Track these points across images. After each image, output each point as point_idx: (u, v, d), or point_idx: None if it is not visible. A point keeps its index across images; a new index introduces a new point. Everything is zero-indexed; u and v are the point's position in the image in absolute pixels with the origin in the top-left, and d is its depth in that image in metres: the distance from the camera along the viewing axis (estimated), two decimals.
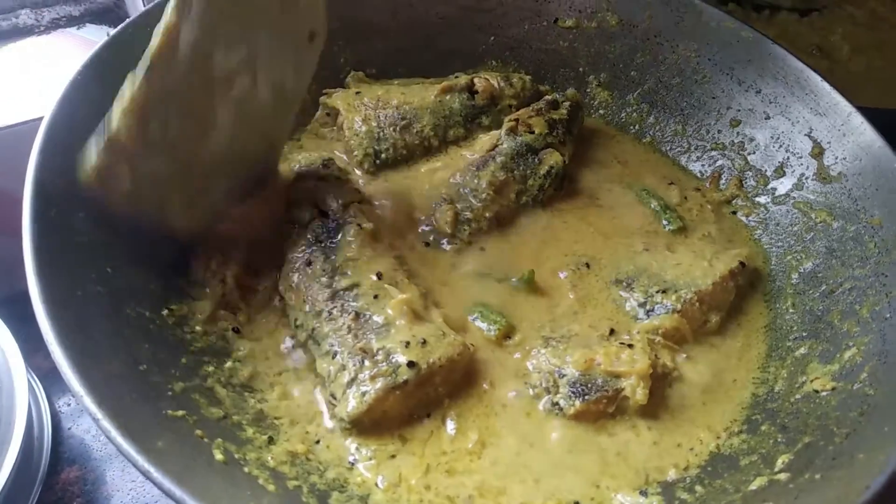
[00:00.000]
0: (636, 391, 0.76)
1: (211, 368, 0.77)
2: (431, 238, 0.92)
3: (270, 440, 0.72)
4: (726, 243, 0.94)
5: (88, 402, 0.56)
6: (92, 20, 1.28)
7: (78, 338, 0.62)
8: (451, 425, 0.76)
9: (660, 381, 0.79)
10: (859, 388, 0.71)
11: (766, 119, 0.98)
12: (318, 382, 0.78)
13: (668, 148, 1.07)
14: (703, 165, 1.04)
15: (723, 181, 1.02)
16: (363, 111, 0.99)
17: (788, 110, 0.96)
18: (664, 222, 0.96)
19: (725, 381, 0.82)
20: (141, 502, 0.95)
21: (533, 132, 0.97)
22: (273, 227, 0.87)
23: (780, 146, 0.97)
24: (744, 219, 0.98)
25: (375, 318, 0.77)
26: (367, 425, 0.74)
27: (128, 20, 0.87)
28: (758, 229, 0.96)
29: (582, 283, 0.89)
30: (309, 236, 0.85)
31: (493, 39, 1.12)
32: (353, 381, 0.74)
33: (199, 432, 0.66)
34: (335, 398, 0.75)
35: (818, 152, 0.92)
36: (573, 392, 0.77)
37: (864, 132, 0.87)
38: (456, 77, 1.06)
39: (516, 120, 0.99)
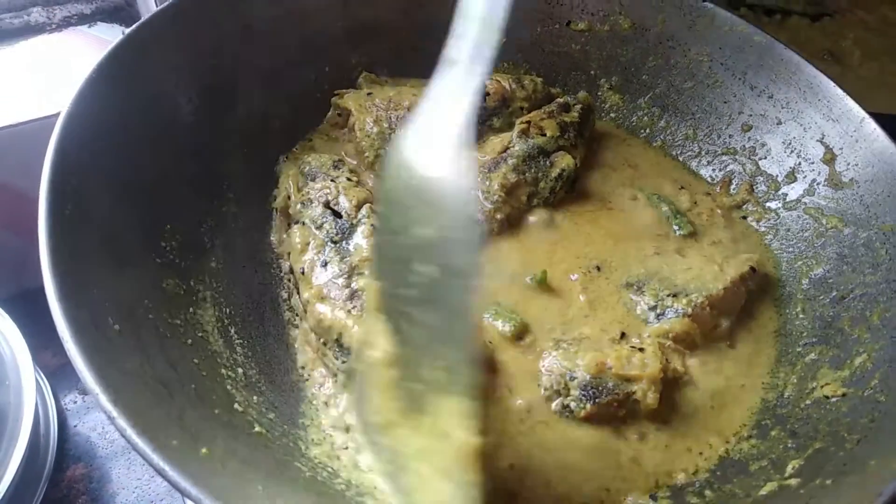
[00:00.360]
0: (647, 395, 0.76)
1: (224, 371, 0.77)
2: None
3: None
4: (737, 248, 0.94)
5: (104, 399, 0.57)
6: (103, 18, 1.28)
7: (93, 336, 0.63)
8: None
9: (670, 386, 0.79)
10: (870, 395, 0.71)
11: (777, 124, 0.98)
12: (336, 384, 0.78)
13: (678, 152, 1.07)
14: (713, 170, 1.04)
15: (733, 186, 1.02)
16: (375, 112, 0.99)
17: (801, 116, 0.96)
18: (674, 227, 0.96)
19: (735, 386, 0.82)
20: (146, 500, 0.96)
21: (545, 135, 0.98)
22: None
23: (792, 151, 0.97)
24: (754, 224, 0.98)
25: None
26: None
27: (143, 20, 0.87)
28: (768, 234, 0.96)
29: (593, 285, 0.89)
30: (322, 237, 0.85)
31: (504, 41, 1.12)
32: None
33: (212, 432, 0.66)
34: (360, 400, 0.75)
35: (830, 158, 0.92)
36: (584, 395, 0.77)
37: (878, 138, 0.87)
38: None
39: (528, 122, 0.99)
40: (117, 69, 0.82)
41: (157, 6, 0.91)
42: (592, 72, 1.12)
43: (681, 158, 1.07)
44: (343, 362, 0.78)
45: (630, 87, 1.10)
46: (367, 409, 0.68)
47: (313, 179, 0.91)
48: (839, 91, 0.92)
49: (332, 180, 0.90)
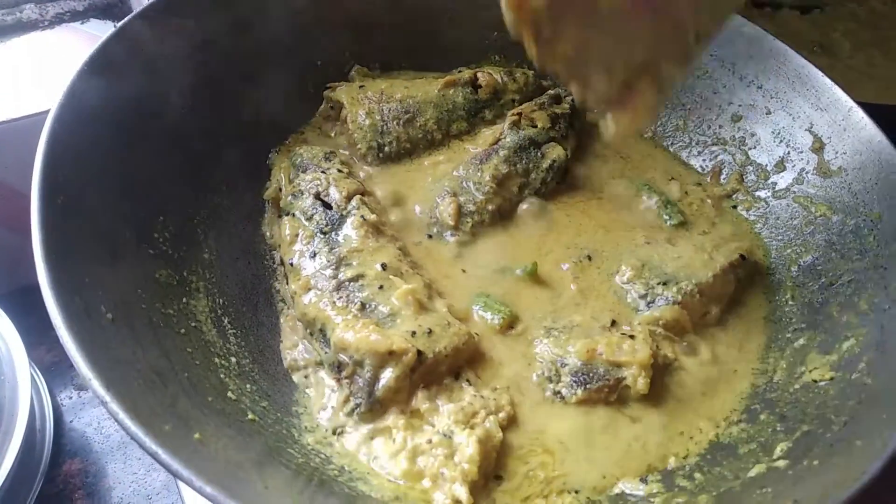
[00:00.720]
0: (637, 381, 0.77)
1: (218, 360, 0.78)
2: (434, 230, 0.93)
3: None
4: (727, 237, 0.94)
5: (96, 384, 0.57)
6: (96, 15, 1.29)
7: (86, 323, 0.63)
8: None
9: (661, 372, 0.79)
10: (857, 378, 0.72)
11: (767, 114, 0.99)
12: (326, 373, 0.79)
13: (669, 143, 1.08)
14: (704, 160, 1.05)
15: (724, 176, 1.02)
16: (367, 105, 1.00)
17: (789, 105, 0.97)
18: (665, 217, 0.97)
19: (725, 372, 0.83)
20: (142, 494, 0.96)
21: (536, 126, 0.98)
22: None
23: (781, 141, 0.97)
24: (744, 213, 0.98)
25: (381, 308, 0.78)
26: (378, 412, 0.75)
27: (134, 13, 0.88)
28: (758, 223, 0.97)
29: (584, 274, 0.90)
30: (312, 228, 0.86)
31: (496, 35, 1.13)
32: None
33: (205, 419, 0.67)
34: (346, 388, 0.76)
35: (819, 147, 0.93)
36: (575, 381, 0.77)
37: (865, 127, 0.88)
38: (459, 72, 1.07)
39: (519, 114, 1.00)
40: (108, 62, 0.82)
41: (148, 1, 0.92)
42: None
43: (672, 149, 1.07)
44: (326, 353, 0.78)
45: None
46: None
47: (304, 171, 0.92)
48: (827, 81, 0.93)
49: (322, 172, 0.91)
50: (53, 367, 1.06)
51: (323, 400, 0.78)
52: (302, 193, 0.89)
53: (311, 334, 0.81)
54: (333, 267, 0.81)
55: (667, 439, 0.76)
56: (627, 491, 0.72)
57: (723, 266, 0.87)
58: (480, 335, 0.82)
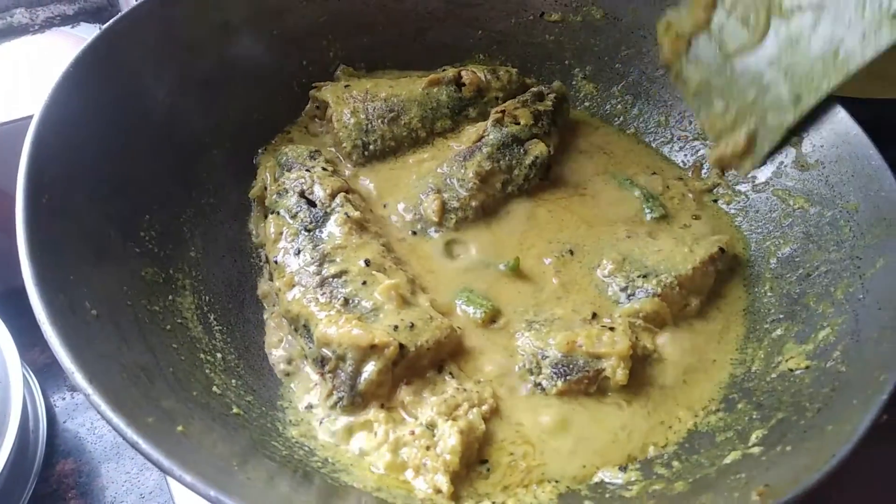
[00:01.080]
0: (616, 371, 0.78)
1: (203, 356, 0.79)
2: (419, 227, 0.94)
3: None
4: (707, 230, 0.96)
5: (79, 378, 0.58)
6: (86, 19, 1.30)
7: (70, 319, 0.64)
8: None
9: (640, 363, 0.81)
10: (832, 366, 0.73)
11: None
12: (310, 368, 0.80)
13: (651, 139, 1.09)
14: (685, 155, 1.06)
15: (704, 170, 1.03)
16: (352, 104, 1.01)
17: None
18: (646, 210, 0.98)
19: (705, 362, 0.84)
20: (135, 494, 0.97)
21: (518, 123, 0.99)
22: None
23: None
24: (725, 206, 1.00)
25: (364, 303, 0.79)
26: (359, 405, 0.76)
27: (120, 14, 0.89)
28: (738, 216, 0.98)
29: (566, 269, 0.91)
30: (297, 226, 0.87)
31: (480, 34, 1.14)
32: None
33: (189, 412, 0.68)
34: (329, 382, 0.77)
35: (796, 141, 0.94)
36: (555, 373, 0.79)
37: (841, 120, 0.89)
38: (443, 70, 1.08)
39: (502, 111, 1.01)
40: (95, 63, 0.84)
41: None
42: (566, 62, 1.13)
43: (654, 145, 1.09)
44: (310, 348, 0.79)
45: (603, 76, 1.12)
46: None
47: (289, 170, 0.93)
48: None
49: (307, 170, 0.92)
50: (46, 368, 1.07)
51: (307, 394, 0.79)
52: (287, 192, 0.90)
53: (296, 330, 0.82)
54: (317, 263, 0.82)
55: (646, 429, 0.77)
56: (607, 479, 0.73)
57: (702, 259, 0.88)
58: (463, 329, 0.83)
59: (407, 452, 0.73)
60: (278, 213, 0.89)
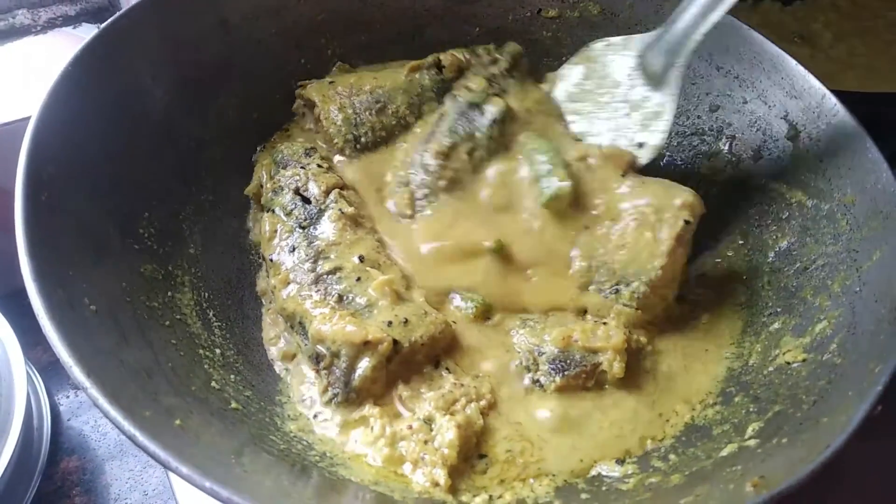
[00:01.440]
0: (613, 365, 0.78)
1: (202, 352, 0.79)
2: (400, 220, 0.92)
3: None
4: (667, 195, 0.87)
5: (77, 372, 0.59)
6: (88, 19, 1.31)
7: (69, 314, 0.65)
8: None
9: (634, 356, 0.81)
10: (828, 359, 0.73)
11: (743, 103, 1.00)
12: (306, 364, 0.80)
13: None
14: (683, 151, 1.06)
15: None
16: (338, 100, 0.99)
17: (765, 94, 0.98)
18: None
19: (702, 357, 0.84)
20: (139, 491, 0.98)
21: (472, 91, 0.98)
22: None
23: (758, 130, 0.98)
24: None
25: (359, 299, 0.79)
26: (354, 401, 0.76)
27: (119, 13, 0.89)
28: (736, 209, 0.98)
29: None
30: (291, 223, 0.87)
31: (478, 30, 1.14)
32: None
33: (188, 406, 0.68)
34: (324, 379, 0.77)
35: (794, 134, 0.94)
36: (553, 368, 0.79)
37: (838, 113, 0.89)
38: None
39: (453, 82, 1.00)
40: (94, 61, 0.84)
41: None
42: (564, 58, 1.12)
43: None
44: (305, 345, 0.79)
45: None
46: None
47: (285, 167, 0.93)
48: (801, 68, 0.94)
49: (302, 167, 0.92)
50: (50, 367, 1.08)
51: (303, 391, 0.79)
52: (282, 189, 0.90)
53: (292, 327, 0.82)
54: (312, 261, 0.82)
55: (644, 423, 0.78)
56: (604, 473, 0.74)
57: (670, 247, 0.83)
58: (459, 324, 0.83)
59: (405, 446, 0.73)
60: (273, 210, 0.89)
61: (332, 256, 0.82)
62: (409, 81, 1.02)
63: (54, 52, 1.20)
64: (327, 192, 0.88)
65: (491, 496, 0.71)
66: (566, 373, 0.79)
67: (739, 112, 1.01)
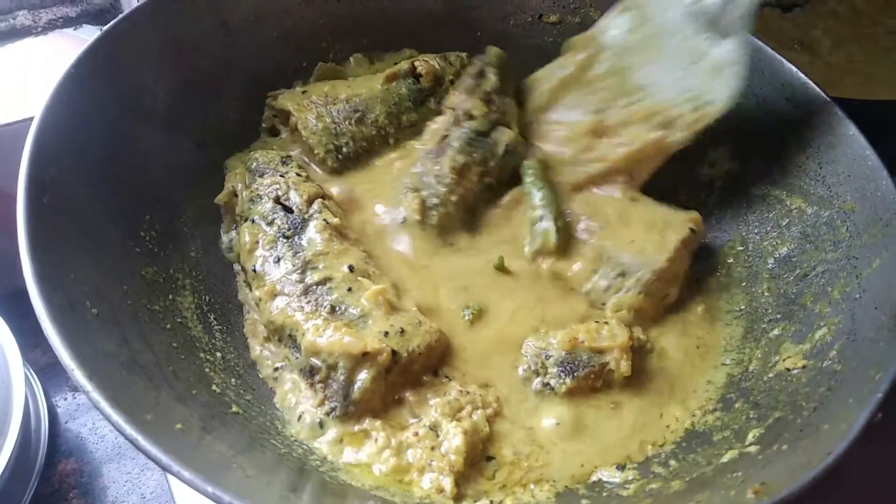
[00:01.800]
0: (620, 363, 0.78)
1: (203, 355, 0.79)
2: (401, 228, 0.91)
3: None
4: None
5: (79, 375, 0.59)
6: (88, 21, 1.30)
7: (69, 316, 0.65)
8: None
9: (638, 354, 0.81)
10: (828, 365, 0.73)
11: (742, 110, 1.00)
12: (298, 378, 0.79)
13: None
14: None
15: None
16: (315, 109, 0.98)
17: (764, 101, 0.98)
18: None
19: (702, 364, 0.84)
20: (136, 494, 0.98)
21: (474, 117, 0.97)
22: None
23: (757, 137, 0.98)
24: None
25: (352, 309, 0.78)
26: (353, 414, 0.75)
27: (121, 15, 0.89)
28: (737, 217, 0.98)
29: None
30: (273, 233, 0.84)
31: (479, 35, 1.14)
32: None
33: (189, 410, 0.68)
34: (320, 392, 0.76)
35: (794, 141, 0.94)
36: (562, 371, 0.79)
37: (838, 121, 0.89)
38: (395, 64, 1.06)
39: (453, 109, 0.99)
40: (96, 64, 0.84)
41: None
42: None
43: None
44: (297, 358, 0.78)
45: None
46: None
47: (261, 175, 0.90)
48: (801, 76, 0.94)
49: (281, 176, 0.89)
50: (49, 368, 1.08)
51: (297, 404, 0.77)
52: (261, 198, 0.87)
53: (280, 340, 0.80)
54: (299, 271, 0.80)
55: (645, 429, 0.78)
56: (604, 479, 0.74)
57: (676, 246, 0.87)
58: (457, 331, 0.83)
59: (412, 454, 0.72)
60: (252, 220, 0.86)
61: (321, 266, 0.80)
62: (385, 90, 1.01)
63: (55, 53, 1.20)
64: (310, 202, 0.86)
65: (492, 501, 0.71)
66: (576, 374, 0.78)
67: (738, 119, 1.01)
